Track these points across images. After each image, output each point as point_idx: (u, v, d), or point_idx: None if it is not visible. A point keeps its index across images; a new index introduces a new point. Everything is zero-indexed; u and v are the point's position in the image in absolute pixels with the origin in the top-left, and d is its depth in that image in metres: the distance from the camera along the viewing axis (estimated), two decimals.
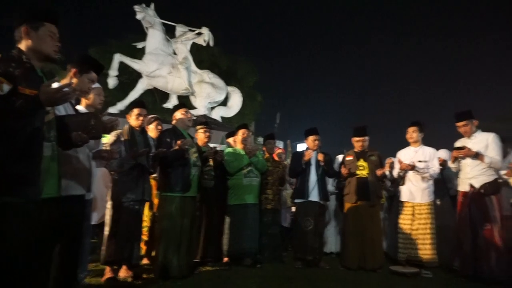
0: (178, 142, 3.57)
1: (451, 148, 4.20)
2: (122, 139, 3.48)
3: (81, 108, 2.89)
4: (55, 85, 1.69)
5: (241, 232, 4.29)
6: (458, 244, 3.98)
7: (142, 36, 10.88)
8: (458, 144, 4.07)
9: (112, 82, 10.06)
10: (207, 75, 11.00)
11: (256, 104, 20.65)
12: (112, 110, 9.61)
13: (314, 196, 4.49)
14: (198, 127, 4.59)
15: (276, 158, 5.11)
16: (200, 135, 4.53)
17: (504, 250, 3.71)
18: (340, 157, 5.02)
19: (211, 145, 4.73)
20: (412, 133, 4.48)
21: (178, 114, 3.98)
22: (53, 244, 2.20)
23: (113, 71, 10.00)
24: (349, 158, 4.61)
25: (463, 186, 4.00)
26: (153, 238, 4.08)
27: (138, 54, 11.20)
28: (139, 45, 10.85)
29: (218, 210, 4.45)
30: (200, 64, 12.66)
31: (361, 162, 4.52)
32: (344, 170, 4.49)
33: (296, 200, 4.69)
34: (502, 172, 3.87)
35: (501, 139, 4.00)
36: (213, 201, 4.37)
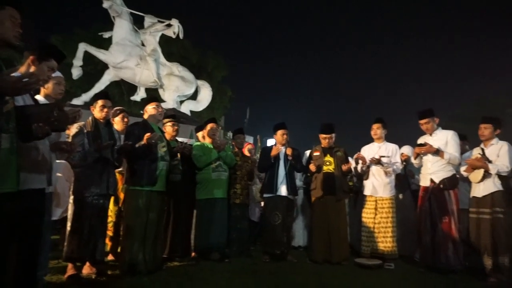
0: (146, 136, 3.49)
1: (414, 144, 4.37)
2: (85, 131, 3.35)
3: (40, 98, 2.75)
4: (16, 74, 1.59)
5: (209, 227, 4.27)
6: (419, 237, 4.17)
7: (109, 25, 10.52)
8: (420, 141, 4.24)
9: (76, 72, 9.69)
10: (177, 68, 10.82)
11: (226, 99, 20.59)
12: (76, 101, 9.27)
13: (282, 190, 4.53)
14: (166, 120, 4.51)
15: (245, 152, 5.12)
16: (168, 129, 4.45)
17: (460, 241, 3.92)
18: (308, 153, 5.10)
19: (180, 139, 4.66)
20: (376, 130, 4.62)
21: (149, 108, 3.88)
22: (10, 241, 2.09)
23: (78, 61, 9.63)
24: (316, 153, 4.70)
25: (424, 181, 4.18)
26: (119, 234, 3.99)
27: (105, 44, 10.83)
28: (106, 34, 10.49)
29: (186, 204, 4.40)
30: (170, 57, 12.42)
31: (328, 158, 4.62)
32: (311, 166, 4.57)
33: (264, 195, 4.72)
34: (461, 168, 4.07)
35: (459, 136, 4.22)
36: (181, 196, 4.32)
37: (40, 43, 2.57)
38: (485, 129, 3.98)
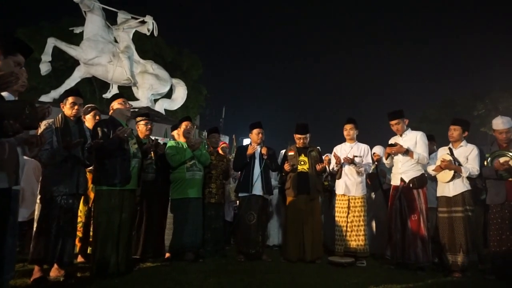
0: (118, 129, 3.40)
1: (385, 145, 4.49)
2: (54, 128, 3.23)
3: (4, 94, 2.63)
4: None
5: (183, 227, 4.22)
6: (389, 234, 4.28)
7: (80, 20, 10.21)
8: (391, 141, 4.37)
9: (44, 68, 9.35)
10: (151, 66, 10.64)
11: (201, 98, 20.42)
12: (44, 98, 8.96)
13: (257, 190, 4.55)
14: (139, 118, 4.42)
15: (220, 151, 5.10)
16: (141, 127, 4.37)
17: (428, 239, 4.06)
18: (283, 152, 5.14)
19: (153, 137, 4.58)
20: (350, 131, 4.71)
21: (116, 104, 3.77)
22: None
23: (46, 56, 9.30)
24: (291, 153, 4.75)
25: (394, 180, 4.30)
26: (89, 235, 3.87)
27: (75, 39, 10.51)
28: (77, 30, 10.19)
29: (159, 204, 4.34)
30: (144, 54, 12.20)
31: (302, 157, 4.67)
32: (286, 165, 4.61)
33: (239, 194, 4.72)
34: (429, 167, 4.21)
35: (428, 137, 4.37)
36: (154, 195, 4.25)
37: (5, 37, 2.45)
38: (454, 131, 4.14)
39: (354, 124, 4.72)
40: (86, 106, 4.04)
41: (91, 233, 3.75)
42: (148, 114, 4.71)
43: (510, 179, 3.70)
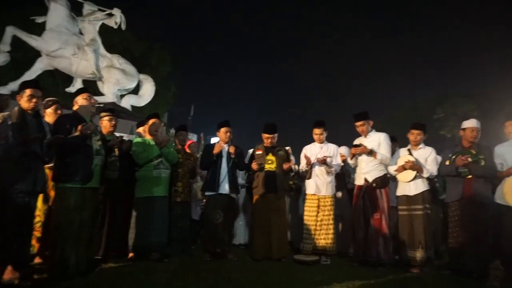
0: (80, 126, 3.27)
1: (350, 145, 4.60)
2: (10, 122, 3.06)
3: None
4: None
5: (148, 226, 4.12)
6: (353, 233, 4.40)
7: (43, 9, 9.73)
8: (356, 142, 4.49)
9: (2, 58, 8.83)
10: (118, 60, 10.31)
11: (169, 95, 20.09)
12: (2, 90, 8.45)
13: (224, 188, 4.52)
14: (103, 114, 4.27)
15: (187, 150, 5.03)
16: (105, 123, 4.23)
17: (389, 237, 4.21)
18: (251, 151, 5.15)
19: (118, 134, 4.45)
20: (320, 135, 4.77)
21: (80, 99, 3.63)
22: None
23: (5, 46, 8.78)
24: (258, 152, 4.77)
25: (358, 180, 4.43)
26: (48, 234, 3.70)
27: (37, 29, 10.00)
28: (39, 19, 9.68)
29: (123, 203, 4.22)
30: (110, 48, 11.79)
31: (270, 157, 4.70)
32: (254, 164, 4.62)
33: (206, 193, 4.68)
34: (391, 168, 4.36)
35: (391, 138, 4.53)
36: (118, 194, 4.13)
37: None
38: (417, 135, 4.33)
39: (323, 128, 4.79)
40: (47, 99, 3.86)
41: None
42: (113, 109, 4.56)
43: (469, 176, 3.90)
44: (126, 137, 4.99)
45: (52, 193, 3.73)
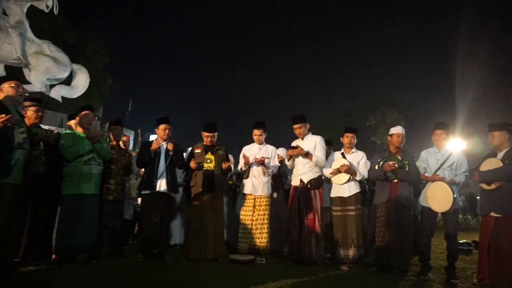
0: (1, 117, 2.95)
1: (288, 147, 4.72)
2: None
3: None
4: None
5: (74, 225, 3.84)
6: (288, 232, 4.52)
7: None
8: (293, 144, 4.62)
9: None
10: (48, 47, 9.53)
11: (106, 88, 19.06)
12: None
13: (162, 187, 4.39)
14: (27, 103, 3.88)
15: (122, 145, 4.80)
16: (30, 113, 3.85)
17: (322, 236, 4.39)
18: (190, 149, 5.06)
19: (46, 127, 4.10)
20: (259, 136, 4.83)
21: (6, 87, 3.29)
22: None
23: None
24: (197, 150, 4.70)
25: (295, 181, 4.57)
26: None
27: None
28: None
29: (48, 200, 3.89)
30: (40, 33, 10.89)
31: (209, 156, 4.66)
32: (192, 163, 4.54)
33: (142, 192, 4.50)
34: (326, 170, 4.55)
35: (326, 142, 4.74)
36: (42, 190, 3.80)
37: None
38: (352, 138, 4.60)
39: (263, 129, 4.85)
40: None
41: None
42: (39, 99, 4.18)
43: (395, 180, 4.20)
44: (55, 130, 4.60)
45: None
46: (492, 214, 3.74)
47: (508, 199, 3.65)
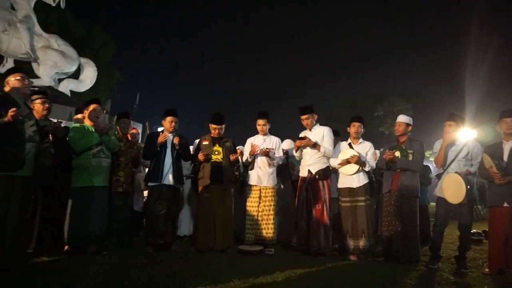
0: (11, 111, 2.99)
1: (295, 138, 4.70)
2: None
3: None
4: None
5: (85, 217, 3.90)
6: (296, 223, 4.53)
7: None
8: (301, 135, 4.60)
9: None
10: (56, 41, 9.60)
11: (113, 81, 19.14)
12: None
13: (168, 179, 4.42)
14: (35, 96, 3.91)
15: (129, 138, 4.83)
16: (37, 107, 3.88)
17: (330, 227, 4.39)
18: (197, 141, 5.07)
19: (54, 120, 4.14)
20: (263, 126, 4.82)
21: (12, 80, 3.32)
22: None
23: None
24: (205, 142, 4.71)
25: (302, 172, 4.56)
26: None
27: None
28: None
29: (58, 193, 3.94)
30: (47, 27, 10.95)
31: (217, 148, 4.67)
32: (200, 155, 4.55)
33: (149, 184, 4.53)
34: (334, 161, 4.53)
35: (333, 132, 4.70)
36: (52, 183, 3.84)
37: None
38: (359, 127, 4.57)
39: (267, 119, 4.84)
40: None
41: None
42: (46, 92, 4.20)
43: (398, 170, 4.16)
44: (64, 124, 4.65)
45: None
46: (505, 205, 3.66)
47: None
